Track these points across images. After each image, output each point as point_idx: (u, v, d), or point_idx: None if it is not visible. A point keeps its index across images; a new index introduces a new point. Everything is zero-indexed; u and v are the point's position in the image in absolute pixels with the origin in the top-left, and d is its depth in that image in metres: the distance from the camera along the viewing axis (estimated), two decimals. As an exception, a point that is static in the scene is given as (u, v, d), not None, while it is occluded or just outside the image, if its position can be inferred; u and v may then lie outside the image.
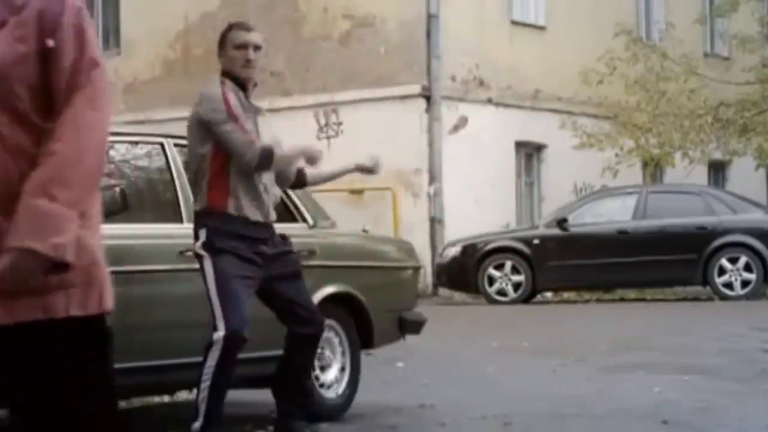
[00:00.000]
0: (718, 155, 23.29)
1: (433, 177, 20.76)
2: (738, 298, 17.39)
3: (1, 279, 2.75)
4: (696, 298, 18.35)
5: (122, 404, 7.91)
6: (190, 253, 6.41)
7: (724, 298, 17.49)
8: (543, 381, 8.97)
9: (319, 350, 6.65)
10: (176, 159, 6.70)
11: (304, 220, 7.26)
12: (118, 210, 5.97)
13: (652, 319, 14.28)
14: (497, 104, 21.86)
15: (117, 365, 6.09)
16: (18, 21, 2.83)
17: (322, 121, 21.34)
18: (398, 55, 20.96)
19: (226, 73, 6.10)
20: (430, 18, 20.88)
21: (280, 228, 6.31)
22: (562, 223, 18.41)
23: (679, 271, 17.88)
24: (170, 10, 23.02)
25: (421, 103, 20.86)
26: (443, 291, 20.00)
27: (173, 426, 7.00)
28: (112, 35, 24.48)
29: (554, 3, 23.06)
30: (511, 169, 22.25)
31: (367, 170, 6.64)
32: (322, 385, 7.06)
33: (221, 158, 5.97)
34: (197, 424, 5.88)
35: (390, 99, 20.75)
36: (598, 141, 21.57)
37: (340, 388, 7.20)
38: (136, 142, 6.71)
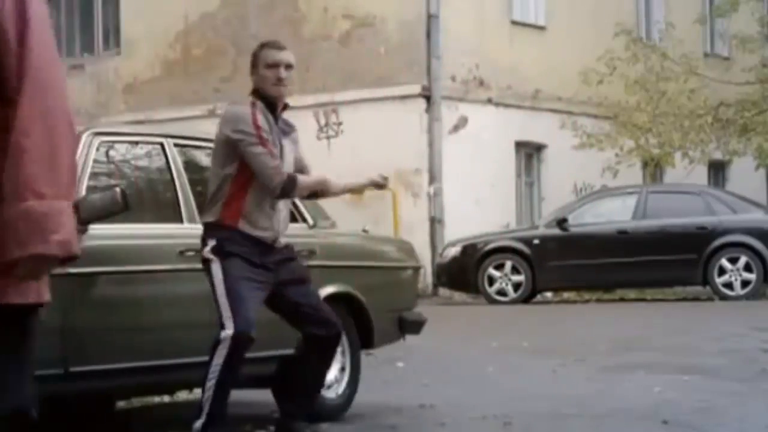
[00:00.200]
0: (718, 155, 23.29)
1: (433, 177, 20.76)
2: (738, 298, 17.39)
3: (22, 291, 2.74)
4: (696, 298, 18.35)
5: (122, 404, 7.92)
6: (190, 253, 6.42)
7: (724, 298, 17.49)
8: (543, 381, 8.97)
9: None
10: (176, 159, 6.69)
11: (304, 220, 7.26)
12: (118, 210, 5.97)
13: (652, 319, 14.28)
14: (497, 104, 21.87)
15: (117, 365, 6.14)
16: None
17: (322, 121, 21.34)
18: (398, 55, 20.96)
19: (257, 92, 6.11)
20: (430, 18, 20.88)
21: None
22: (562, 223, 18.41)
23: (679, 271, 17.88)
24: (170, 10, 23.01)
25: (421, 103, 20.86)
26: (443, 291, 20.00)
27: (173, 426, 7.00)
28: (112, 35, 24.47)
29: (554, 3, 23.06)
30: (511, 169, 22.26)
31: (379, 186, 6.62)
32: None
33: (244, 179, 6.00)
34: (199, 423, 5.87)
35: (390, 99, 20.76)
36: (598, 141, 21.57)
37: (340, 388, 7.20)
38: (136, 142, 6.70)
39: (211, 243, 5.97)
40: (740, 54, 23.51)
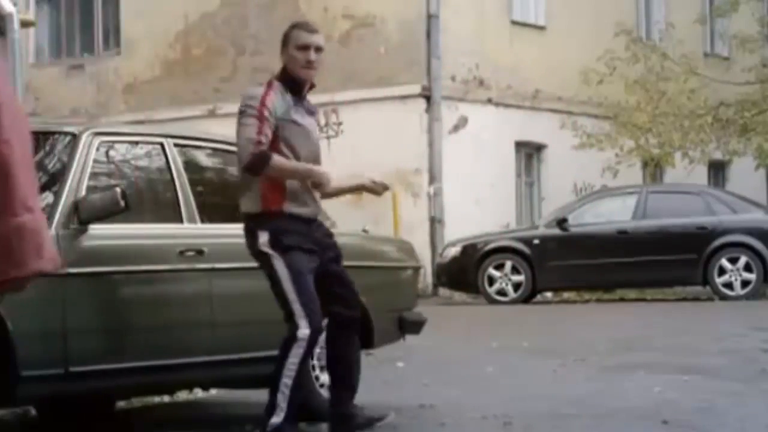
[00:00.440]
0: (718, 155, 23.31)
1: (433, 177, 20.77)
2: (738, 298, 17.40)
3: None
4: (696, 298, 18.36)
5: (122, 404, 7.92)
6: (190, 253, 6.42)
7: (724, 298, 17.49)
8: (543, 381, 8.96)
9: (318, 350, 6.64)
10: (176, 159, 6.69)
11: (304, 220, 7.25)
12: (118, 210, 5.97)
13: (652, 319, 14.28)
14: (497, 104, 21.88)
15: (117, 365, 6.13)
16: None
17: (322, 121, 21.32)
18: (398, 55, 20.97)
19: (285, 71, 6.09)
20: (430, 18, 20.89)
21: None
22: (562, 223, 18.42)
23: (679, 271, 17.89)
24: (170, 10, 23.01)
25: (421, 103, 20.87)
26: (443, 291, 20.01)
27: (173, 426, 7.00)
28: (112, 35, 24.48)
29: (554, 3, 23.07)
30: (511, 169, 22.26)
31: (374, 191, 6.57)
32: (322, 386, 7.05)
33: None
34: (277, 420, 5.87)
35: (390, 99, 20.76)
36: (598, 141, 21.58)
37: (340, 388, 7.19)
38: (136, 142, 6.70)
39: (264, 236, 5.92)
40: (740, 54, 23.52)
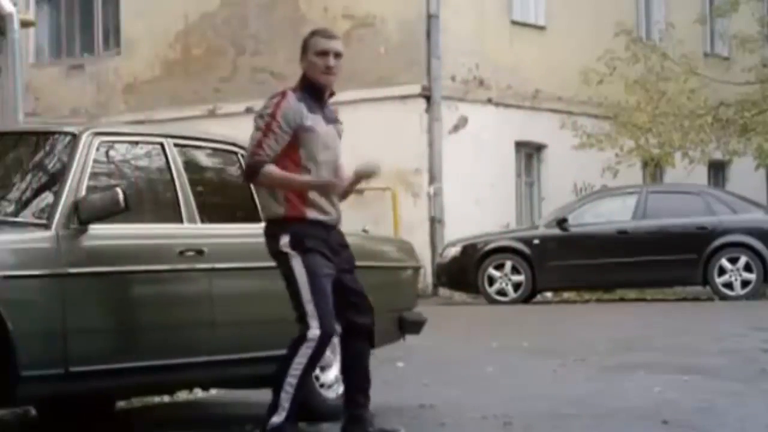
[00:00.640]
0: (718, 155, 23.30)
1: (433, 177, 20.76)
2: (738, 298, 17.40)
3: None
4: (696, 298, 18.35)
5: (122, 404, 7.92)
6: (190, 253, 6.43)
7: (724, 298, 17.49)
8: (543, 381, 8.96)
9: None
10: (176, 159, 6.69)
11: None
12: (118, 210, 5.98)
13: (652, 319, 14.28)
14: (497, 104, 21.87)
15: (117, 365, 6.14)
16: None
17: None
18: (398, 55, 20.97)
19: (305, 78, 6.13)
20: (430, 18, 20.88)
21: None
22: (562, 223, 18.42)
23: (679, 271, 17.89)
24: (170, 10, 23.01)
25: (421, 103, 20.87)
26: (443, 291, 20.01)
27: (173, 426, 7.01)
28: (112, 35, 24.47)
29: (554, 3, 23.06)
30: (511, 169, 22.26)
31: (367, 175, 6.55)
32: (322, 386, 7.06)
33: (299, 168, 5.98)
34: (278, 419, 5.88)
35: (390, 99, 20.76)
36: (598, 141, 21.57)
37: (340, 388, 7.18)
38: (136, 142, 6.70)
39: (285, 237, 5.96)
40: (740, 54, 23.51)
